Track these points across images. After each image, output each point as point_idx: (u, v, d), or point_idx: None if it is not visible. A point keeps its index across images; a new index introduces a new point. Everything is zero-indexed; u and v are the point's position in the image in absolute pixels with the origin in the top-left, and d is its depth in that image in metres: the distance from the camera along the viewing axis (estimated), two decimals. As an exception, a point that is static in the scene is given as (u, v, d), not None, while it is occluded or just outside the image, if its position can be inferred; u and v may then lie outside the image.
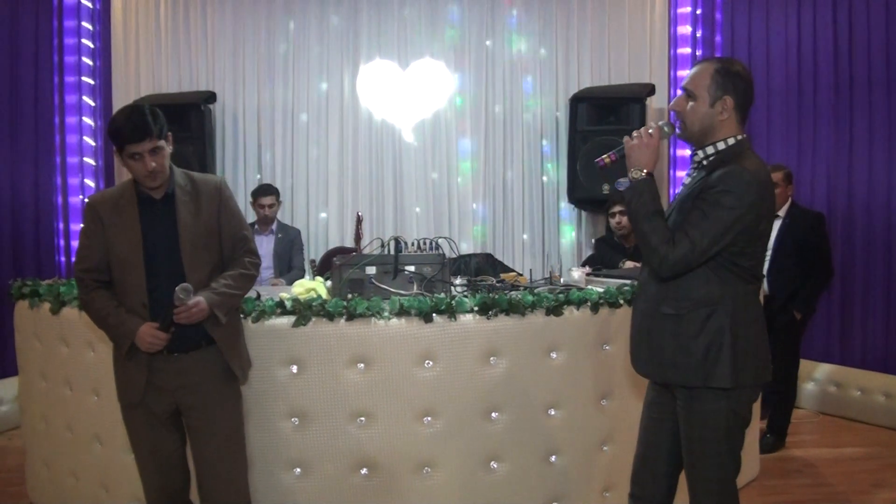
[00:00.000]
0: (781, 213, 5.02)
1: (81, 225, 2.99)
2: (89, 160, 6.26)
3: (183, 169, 3.01)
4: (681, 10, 6.46)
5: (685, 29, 6.44)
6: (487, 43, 6.76)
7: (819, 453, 4.94)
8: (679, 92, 2.69)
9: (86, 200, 2.98)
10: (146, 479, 2.99)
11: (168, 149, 2.84)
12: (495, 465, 3.44)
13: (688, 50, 6.43)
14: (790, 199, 5.07)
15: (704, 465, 2.61)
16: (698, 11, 6.42)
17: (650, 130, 2.61)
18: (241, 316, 3.21)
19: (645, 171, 2.59)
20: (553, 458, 3.52)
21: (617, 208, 5.30)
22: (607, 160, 2.74)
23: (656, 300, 2.60)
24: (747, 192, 2.44)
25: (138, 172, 2.80)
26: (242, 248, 3.01)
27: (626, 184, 2.60)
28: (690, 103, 2.60)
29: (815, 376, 5.85)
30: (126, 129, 2.74)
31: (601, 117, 6.19)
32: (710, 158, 2.60)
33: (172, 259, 2.85)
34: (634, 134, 2.62)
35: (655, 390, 2.78)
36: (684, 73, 6.35)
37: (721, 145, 2.59)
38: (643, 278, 2.71)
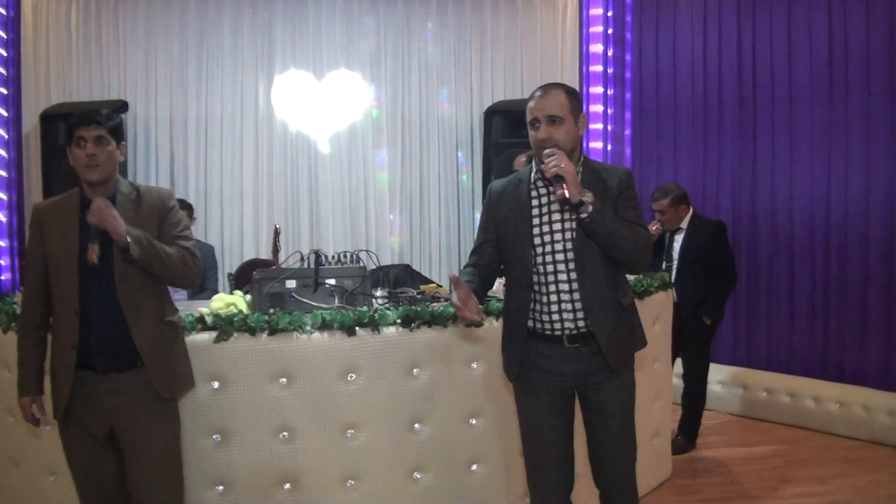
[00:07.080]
0: (684, 224, 5.17)
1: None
2: (1, 171, 6.00)
3: (130, 180, 2.97)
4: (592, 30, 6.65)
5: (597, 48, 6.64)
6: (403, 55, 6.79)
7: (729, 453, 5.11)
8: (540, 122, 2.73)
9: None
10: (84, 501, 2.92)
11: (115, 151, 2.82)
12: (419, 476, 3.47)
13: (599, 68, 6.62)
14: (692, 211, 5.23)
15: (631, 432, 2.88)
16: (609, 31, 6.62)
17: (555, 156, 2.61)
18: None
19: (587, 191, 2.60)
20: (474, 467, 3.57)
21: None
22: (565, 193, 2.54)
23: (611, 293, 2.75)
24: None
25: (79, 161, 2.77)
26: (181, 246, 2.88)
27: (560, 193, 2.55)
28: (561, 128, 2.71)
29: (723, 379, 6.05)
30: (77, 114, 2.77)
31: (514, 130, 6.31)
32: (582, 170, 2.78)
33: (106, 266, 2.74)
34: (558, 162, 2.57)
35: (553, 398, 2.84)
36: (597, 91, 6.58)
37: (581, 157, 2.82)
38: (594, 290, 2.73)
